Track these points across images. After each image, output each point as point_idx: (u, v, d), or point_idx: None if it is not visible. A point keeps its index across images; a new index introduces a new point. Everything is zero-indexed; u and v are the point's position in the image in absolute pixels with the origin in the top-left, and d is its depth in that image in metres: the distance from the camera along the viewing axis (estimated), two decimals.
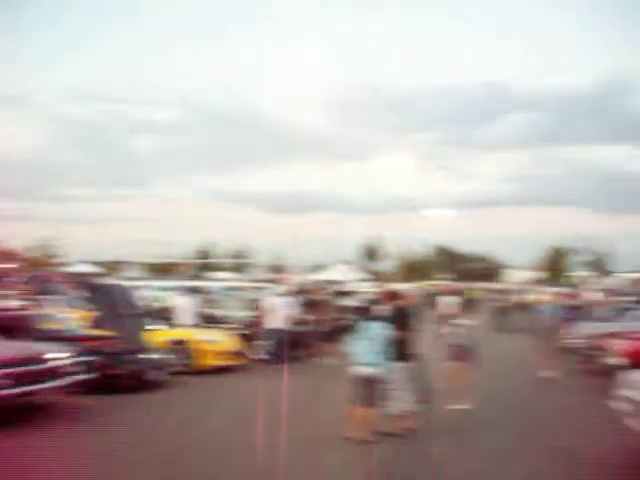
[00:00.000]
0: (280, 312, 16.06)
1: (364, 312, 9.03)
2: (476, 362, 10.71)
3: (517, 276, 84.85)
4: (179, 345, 14.02)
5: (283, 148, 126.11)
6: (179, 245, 76.58)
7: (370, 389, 8.33)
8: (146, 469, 6.99)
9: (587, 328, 16.21)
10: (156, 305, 17.95)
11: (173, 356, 13.46)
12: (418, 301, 21.84)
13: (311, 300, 18.41)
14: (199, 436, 8.59)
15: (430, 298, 29.65)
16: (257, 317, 16.74)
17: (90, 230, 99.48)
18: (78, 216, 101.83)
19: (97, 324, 12.77)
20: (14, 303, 17.20)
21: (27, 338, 10.65)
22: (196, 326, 16.28)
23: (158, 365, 12.51)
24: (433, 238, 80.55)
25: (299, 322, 16.87)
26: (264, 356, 15.52)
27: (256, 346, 15.92)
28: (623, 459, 7.71)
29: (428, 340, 10.77)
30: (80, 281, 18.09)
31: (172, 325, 15.63)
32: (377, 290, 24.02)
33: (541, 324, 15.97)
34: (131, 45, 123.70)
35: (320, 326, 16.82)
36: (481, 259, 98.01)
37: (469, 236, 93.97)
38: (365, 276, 51.91)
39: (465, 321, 11.01)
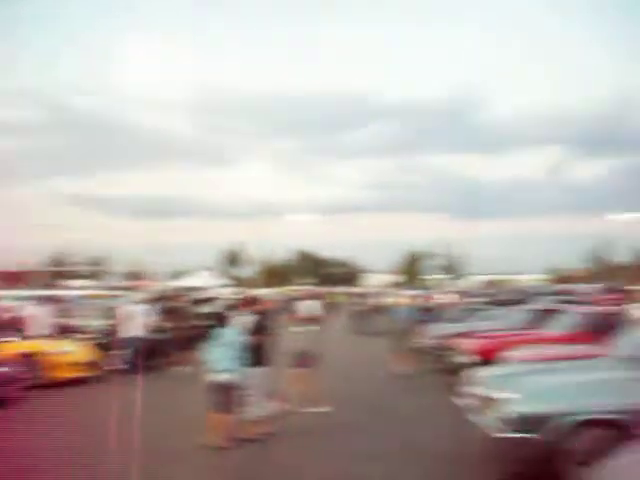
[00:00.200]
0: (137, 320, 15.76)
1: (220, 319, 9.16)
2: (318, 367, 10.91)
3: (377, 280, 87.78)
4: (29, 357, 13.50)
5: (145, 153, 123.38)
6: (32, 252, 72.68)
7: (226, 395, 8.36)
8: None
9: (438, 329, 16.88)
10: (7, 316, 17.10)
11: (24, 369, 12.93)
12: (277, 306, 22.15)
13: (170, 307, 18.19)
14: (43, 453, 8.20)
15: (290, 303, 30.02)
16: (113, 326, 16.35)
17: None
18: None
19: None
20: None
21: None
22: (49, 337, 15.67)
23: (7, 379, 11.97)
24: (295, 243, 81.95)
25: (157, 330, 16.63)
26: (120, 366, 15.20)
27: (112, 356, 15.57)
28: (469, 454, 8.03)
29: (285, 345, 11.02)
30: None
31: (24, 337, 14.98)
32: (237, 296, 24.11)
33: (397, 326, 16.78)
34: None
35: (179, 333, 16.68)
36: (342, 264, 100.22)
37: (331, 241, 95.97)
38: (227, 282, 51.77)
39: (309, 327, 11.29)
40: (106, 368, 15.03)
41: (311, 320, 11.75)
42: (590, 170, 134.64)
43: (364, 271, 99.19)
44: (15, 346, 13.73)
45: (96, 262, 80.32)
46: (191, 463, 7.82)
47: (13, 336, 14.51)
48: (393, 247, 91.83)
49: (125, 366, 14.95)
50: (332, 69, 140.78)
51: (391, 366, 15.66)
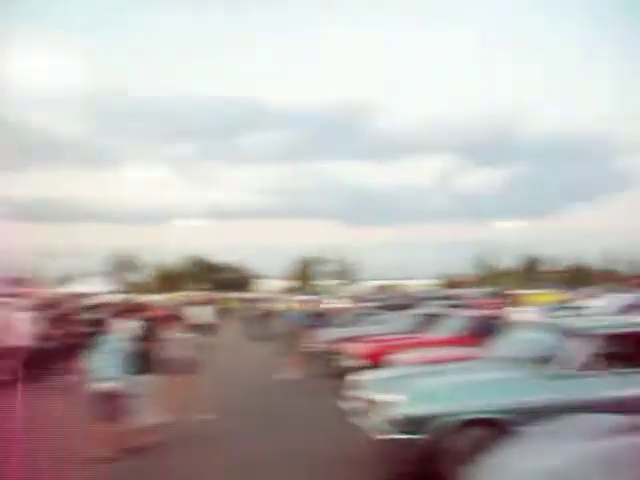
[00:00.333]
0: (20, 328, 15.26)
1: (104, 325, 9.05)
2: (200, 374, 10.86)
3: (270, 285, 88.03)
4: None
5: (34, 154, 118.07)
6: None
7: (111, 404, 8.21)
8: None
9: (328, 333, 17.09)
10: None
11: None
12: (166, 312, 21.86)
13: (57, 315, 17.68)
14: None
15: (182, 309, 29.71)
16: None
17: None
18: None
19: None
20: None
21: None
22: None
23: None
24: (189, 248, 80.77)
25: (42, 338, 16.12)
26: (1, 377, 14.59)
27: None
28: (356, 456, 8.20)
29: (171, 352, 10.92)
30: None
31: None
32: (126, 302, 23.65)
33: (288, 330, 16.99)
34: None
35: (65, 341, 16.19)
36: (235, 269, 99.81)
37: (224, 246, 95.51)
38: (118, 288, 50.54)
39: (198, 333, 11.25)
40: None
41: (202, 326, 11.77)
42: (478, 178, 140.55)
43: (257, 276, 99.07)
44: None
45: None
46: (77, 476, 7.61)
47: None
48: (286, 253, 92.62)
49: (5, 377, 14.37)
50: (237, 75, 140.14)
51: (281, 370, 15.83)
